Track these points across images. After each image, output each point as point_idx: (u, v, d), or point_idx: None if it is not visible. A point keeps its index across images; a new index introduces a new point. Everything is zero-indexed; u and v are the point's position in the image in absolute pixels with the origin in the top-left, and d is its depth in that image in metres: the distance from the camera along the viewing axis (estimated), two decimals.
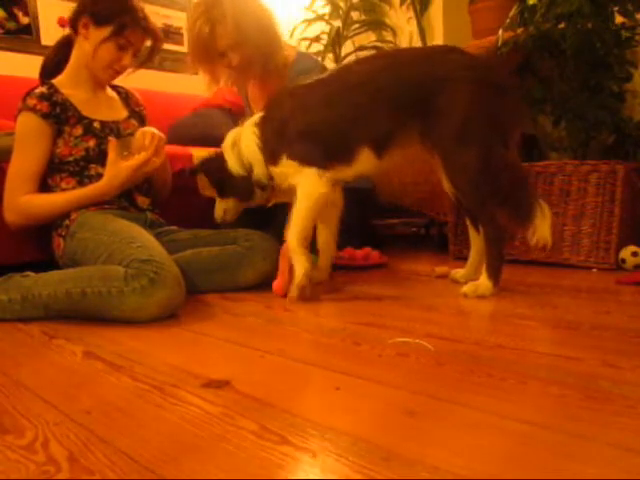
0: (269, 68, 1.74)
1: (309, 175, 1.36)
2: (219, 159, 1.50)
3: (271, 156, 1.42)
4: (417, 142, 1.35)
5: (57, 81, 1.49)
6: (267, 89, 1.81)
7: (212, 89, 1.86)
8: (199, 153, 1.81)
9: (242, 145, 1.46)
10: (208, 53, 1.67)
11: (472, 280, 1.35)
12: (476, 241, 1.44)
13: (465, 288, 1.31)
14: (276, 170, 1.42)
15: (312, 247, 1.47)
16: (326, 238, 1.52)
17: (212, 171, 1.53)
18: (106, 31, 1.45)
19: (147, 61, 1.58)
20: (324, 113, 1.36)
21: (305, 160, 1.36)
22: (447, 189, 1.33)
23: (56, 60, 1.55)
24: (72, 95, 1.48)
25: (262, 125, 1.45)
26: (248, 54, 1.67)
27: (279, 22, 1.78)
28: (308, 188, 1.36)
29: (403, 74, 1.32)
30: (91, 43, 1.46)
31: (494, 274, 1.30)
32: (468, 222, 1.46)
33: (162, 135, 1.49)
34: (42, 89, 1.44)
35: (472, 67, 1.28)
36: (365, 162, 1.37)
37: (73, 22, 1.49)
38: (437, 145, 1.30)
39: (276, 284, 1.42)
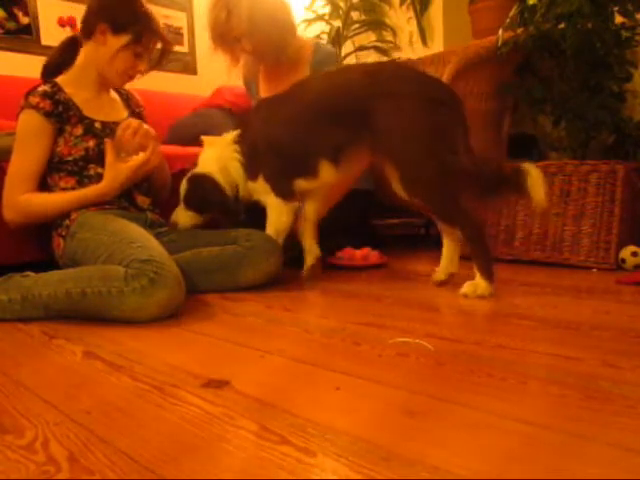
0: (281, 58, 1.82)
1: (276, 205, 1.53)
2: (212, 181, 1.55)
3: (251, 172, 1.54)
4: (369, 154, 1.43)
5: (60, 80, 1.49)
6: (281, 81, 1.83)
7: (232, 70, 1.93)
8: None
9: (230, 167, 1.55)
10: (224, 38, 1.77)
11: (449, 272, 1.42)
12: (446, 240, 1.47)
13: (465, 289, 1.31)
14: (254, 186, 1.54)
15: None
16: (310, 242, 1.65)
17: (208, 192, 1.56)
18: (124, 39, 1.46)
19: (157, 65, 1.60)
20: (285, 130, 1.47)
21: (275, 189, 1.51)
22: (402, 196, 1.36)
23: (60, 60, 1.55)
24: (75, 94, 1.48)
25: (240, 142, 1.54)
26: (259, 43, 1.75)
27: (293, 15, 1.86)
28: (274, 217, 1.54)
29: (347, 91, 1.39)
30: (108, 50, 1.47)
31: (487, 272, 1.30)
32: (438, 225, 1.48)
33: (150, 128, 1.50)
34: (45, 87, 1.44)
35: (405, 81, 1.34)
36: (326, 174, 1.47)
37: (87, 25, 1.49)
38: (388, 158, 1.35)
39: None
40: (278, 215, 1.53)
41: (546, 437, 0.57)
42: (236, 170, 1.55)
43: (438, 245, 2.30)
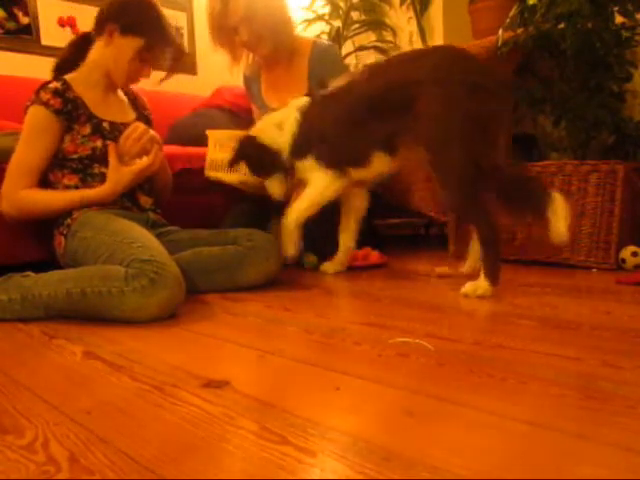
0: (279, 48, 1.85)
1: (325, 176, 1.52)
2: (253, 141, 1.58)
3: (298, 152, 1.55)
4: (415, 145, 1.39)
5: (70, 78, 1.49)
6: (281, 78, 1.85)
7: (233, 69, 1.98)
8: (215, 134, 1.81)
9: (285, 128, 1.56)
10: (222, 29, 1.81)
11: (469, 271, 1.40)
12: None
13: (465, 288, 1.31)
14: (299, 164, 1.55)
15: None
16: (347, 236, 1.70)
17: (252, 154, 1.59)
18: (133, 42, 1.47)
19: (170, 71, 1.61)
20: (339, 125, 1.48)
21: (328, 165, 1.52)
22: (439, 192, 1.35)
23: (71, 57, 1.55)
24: (84, 93, 1.48)
25: (301, 119, 1.55)
26: (256, 30, 1.79)
27: (289, 5, 1.91)
28: (322, 184, 1.53)
29: (388, 80, 1.38)
30: (116, 50, 1.48)
31: (492, 274, 1.29)
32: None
33: (155, 133, 1.50)
34: (56, 84, 1.44)
35: (457, 68, 1.29)
36: (381, 163, 1.48)
37: (99, 23, 1.50)
38: (424, 147, 1.33)
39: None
40: (327, 185, 1.52)
41: (546, 437, 0.57)
42: (286, 136, 1.56)
43: (438, 245, 2.28)
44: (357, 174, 1.53)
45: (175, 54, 1.57)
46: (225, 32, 1.82)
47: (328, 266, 1.72)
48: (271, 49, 1.85)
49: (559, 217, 1.19)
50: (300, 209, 1.54)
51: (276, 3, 1.84)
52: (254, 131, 1.62)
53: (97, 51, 1.51)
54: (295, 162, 1.56)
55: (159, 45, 1.51)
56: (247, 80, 2.09)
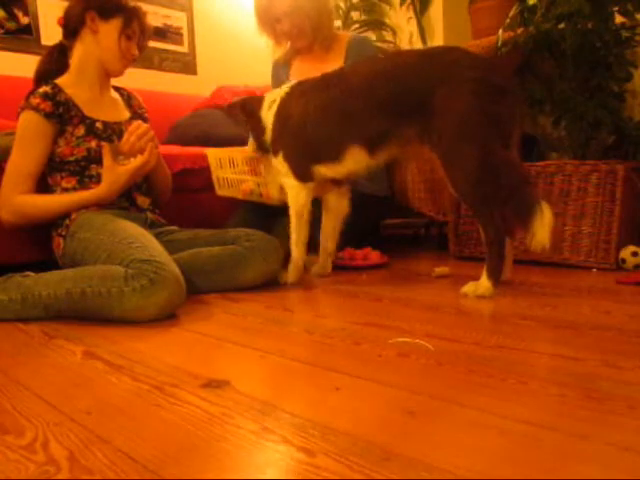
0: (318, 40, 1.92)
1: (293, 187, 1.52)
2: (255, 102, 1.58)
3: (274, 145, 1.54)
4: (415, 141, 1.38)
5: (60, 81, 1.49)
6: (313, 69, 1.86)
7: (276, 53, 2.05)
8: (215, 153, 1.83)
9: (270, 111, 1.54)
10: (267, 17, 1.88)
11: (506, 278, 1.35)
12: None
13: (465, 288, 1.31)
14: (274, 161, 1.55)
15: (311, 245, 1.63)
16: (326, 238, 1.66)
17: (247, 111, 1.59)
18: (115, 23, 1.49)
19: (142, 50, 1.60)
20: (323, 114, 1.43)
21: (293, 170, 1.51)
22: (450, 189, 1.33)
23: (50, 68, 1.54)
24: (76, 95, 1.48)
25: (279, 108, 1.53)
26: (298, 23, 1.86)
27: (331, 2, 2.00)
28: (292, 198, 1.53)
29: (401, 76, 1.34)
30: (103, 36, 1.49)
31: (494, 274, 1.29)
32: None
33: (152, 132, 1.51)
34: (46, 88, 1.44)
35: (471, 66, 1.28)
36: (356, 160, 1.44)
37: (72, 23, 1.50)
38: (436, 145, 1.31)
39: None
40: (296, 198, 1.52)
41: (546, 437, 0.57)
42: (268, 117, 1.54)
43: (438, 245, 2.28)
44: (329, 171, 1.48)
45: (142, 28, 1.56)
46: (268, 20, 1.88)
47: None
48: (310, 41, 1.92)
49: (545, 229, 1.20)
50: (295, 238, 1.53)
51: (322, 0, 1.92)
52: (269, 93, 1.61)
53: (82, 48, 1.51)
54: (273, 154, 1.55)
55: (134, 17, 1.52)
56: (276, 65, 2.11)
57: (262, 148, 1.59)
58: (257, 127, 1.56)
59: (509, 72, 1.49)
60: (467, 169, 1.27)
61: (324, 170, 1.49)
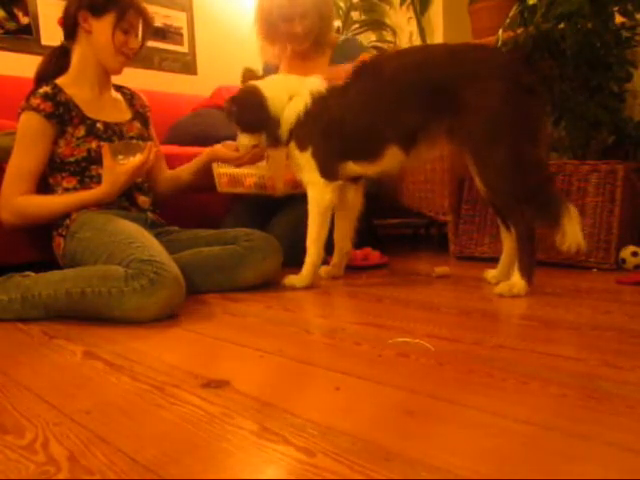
0: (319, 45, 1.92)
1: (318, 184, 1.46)
2: (255, 93, 1.49)
3: (299, 139, 1.48)
4: (444, 139, 1.38)
5: (61, 81, 1.49)
6: (302, 70, 1.85)
7: (265, 54, 2.02)
8: (220, 169, 1.81)
9: (293, 104, 1.47)
10: (274, 17, 1.84)
11: (503, 281, 1.32)
12: (507, 241, 1.42)
13: (499, 288, 1.29)
14: (298, 156, 1.48)
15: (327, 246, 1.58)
16: (342, 237, 1.62)
17: (249, 108, 1.50)
18: (107, 20, 1.46)
19: (143, 42, 1.58)
20: (354, 112, 1.41)
21: (320, 167, 1.45)
22: (479, 187, 1.33)
23: (52, 69, 1.54)
24: (76, 95, 1.48)
25: (310, 106, 1.46)
26: (308, 25, 1.84)
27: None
28: (316, 197, 1.46)
29: (432, 71, 1.33)
30: (97, 35, 1.48)
31: (527, 273, 1.27)
32: (499, 222, 1.45)
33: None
34: (46, 89, 1.44)
35: (502, 65, 1.29)
36: (392, 159, 1.43)
37: (68, 24, 1.50)
38: (467, 143, 1.31)
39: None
40: (320, 196, 1.46)
41: (546, 437, 0.57)
42: (290, 113, 1.47)
43: (438, 245, 2.28)
44: (361, 169, 1.47)
45: (144, 22, 1.54)
46: (275, 20, 1.85)
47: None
48: (312, 44, 1.91)
49: (576, 227, 1.21)
50: (313, 235, 1.46)
51: (330, 4, 1.94)
52: (262, 83, 1.53)
53: (80, 49, 1.51)
54: (293, 147, 1.48)
55: (128, 9, 1.48)
56: (267, 67, 2.11)
57: (274, 142, 1.51)
58: (268, 121, 1.48)
59: (532, 71, 1.48)
60: (498, 166, 1.27)
61: (356, 168, 1.46)
